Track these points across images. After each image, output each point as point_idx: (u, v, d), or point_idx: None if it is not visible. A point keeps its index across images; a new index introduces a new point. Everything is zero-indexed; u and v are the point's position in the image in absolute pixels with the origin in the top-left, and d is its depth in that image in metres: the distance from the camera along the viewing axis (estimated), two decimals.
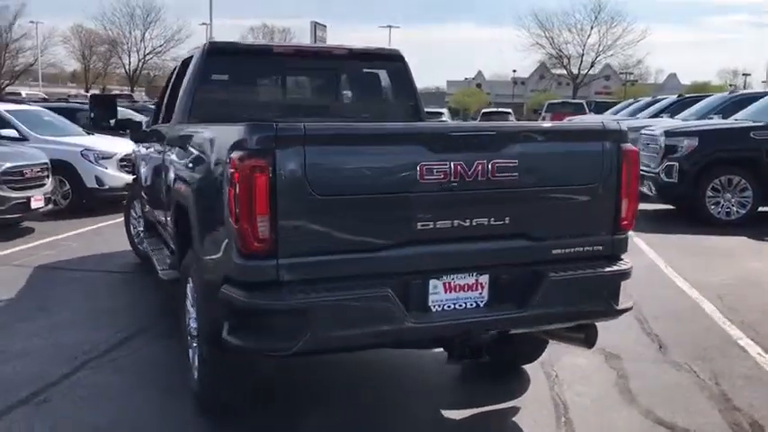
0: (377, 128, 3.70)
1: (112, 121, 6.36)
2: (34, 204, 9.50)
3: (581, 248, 3.72)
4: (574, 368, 4.87)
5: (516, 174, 3.47)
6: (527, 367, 4.80)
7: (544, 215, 3.64)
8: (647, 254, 8.46)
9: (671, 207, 11.77)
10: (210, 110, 5.26)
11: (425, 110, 6.16)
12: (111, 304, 6.34)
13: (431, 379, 4.78)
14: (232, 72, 5.51)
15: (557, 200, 3.65)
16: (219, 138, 3.59)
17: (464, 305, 3.56)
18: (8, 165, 9.26)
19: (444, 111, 33.83)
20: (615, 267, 3.74)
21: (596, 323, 3.91)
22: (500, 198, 3.50)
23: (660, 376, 4.78)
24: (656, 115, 17.71)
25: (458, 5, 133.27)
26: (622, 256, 3.87)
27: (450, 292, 3.52)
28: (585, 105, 33.61)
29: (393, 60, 5.86)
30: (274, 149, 3.09)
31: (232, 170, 3.12)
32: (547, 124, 4.26)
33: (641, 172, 8.81)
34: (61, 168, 10.78)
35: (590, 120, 16.96)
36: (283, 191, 3.12)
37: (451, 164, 3.34)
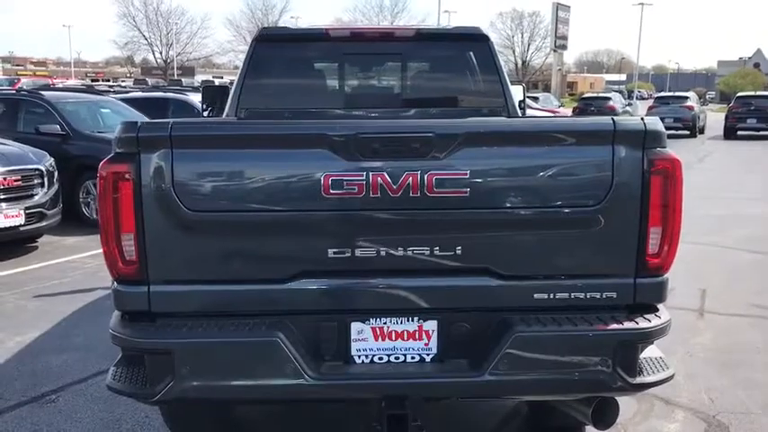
0: (264, 126, 2.95)
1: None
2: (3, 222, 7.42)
3: (581, 294, 2.69)
4: None
5: (467, 190, 2.56)
6: None
7: (517, 247, 2.67)
8: None
9: None
10: (260, 101, 4.82)
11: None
12: None
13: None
14: (285, 60, 4.98)
15: (535, 227, 2.65)
16: None
17: (403, 358, 2.73)
18: None
19: (689, 94, 30.44)
20: (630, 324, 2.65)
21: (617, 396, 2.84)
22: (443, 222, 2.60)
23: None
24: None
25: None
26: (657, 308, 2.76)
27: (383, 339, 2.71)
28: None
29: (473, 41, 4.92)
30: (138, 153, 2.53)
31: (98, 178, 2.61)
32: (518, 122, 3.15)
33: None
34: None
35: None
36: (150, 204, 2.55)
37: (369, 175, 2.53)
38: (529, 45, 65.38)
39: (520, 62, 65.14)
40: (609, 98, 29.46)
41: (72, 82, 40.20)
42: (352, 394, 2.73)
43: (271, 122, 3.42)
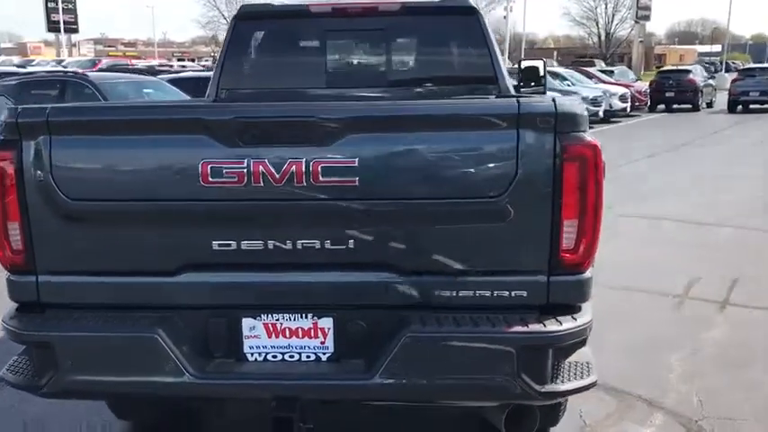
0: (140, 111, 2.79)
1: None
2: None
3: (488, 293, 2.46)
4: None
5: (355, 179, 2.36)
6: None
7: (415, 241, 2.45)
8: None
9: None
10: (241, 81, 4.73)
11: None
12: None
13: None
14: (266, 39, 4.84)
15: (434, 219, 2.43)
16: None
17: (298, 357, 2.57)
18: None
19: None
20: (537, 326, 2.40)
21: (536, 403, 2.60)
22: (333, 213, 2.41)
23: None
24: None
25: None
26: (577, 308, 2.50)
27: (277, 336, 2.56)
28: None
29: (462, 15, 4.64)
30: (20, 140, 2.45)
31: None
32: (411, 105, 2.86)
33: None
34: None
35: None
36: (32, 192, 2.47)
37: (250, 162, 2.36)
38: (613, 16, 62.67)
39: (603, 34, 62.75)
40: (689, 71, 27.89)
41: (155, 62, 41.36)
42: (238, 394, 2.59)
43: (147, 107, 3.30)
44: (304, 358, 2.56)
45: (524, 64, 6.39)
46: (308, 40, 4.85)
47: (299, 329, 2.54)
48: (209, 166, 2.36)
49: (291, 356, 2.56)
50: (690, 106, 26.98)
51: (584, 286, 2.49)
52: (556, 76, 22.20)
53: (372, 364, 2.43)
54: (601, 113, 21.52)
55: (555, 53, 63.13)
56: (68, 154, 2.45)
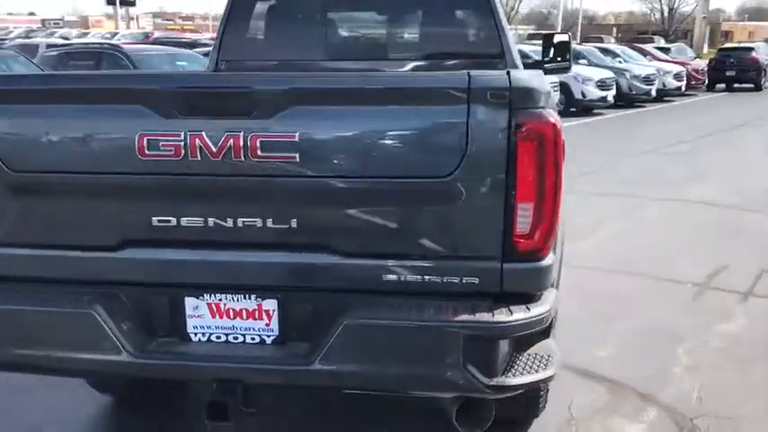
0: (75, 80, 2.68)
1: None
2: None
3: (437, 278, 2.31)
4: None
5: (296, 155, 2.23)
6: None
7: (360, 221, 2.31)
8: None
9: None
10: (241, 53, 4.62)
11: None
12: None
13: None
14: (267, 9, 4.71)
15: (379, 199, 2.28)
16: None
17: (242, 338, 2.47)
18: None
19: None
20: (484, 316, 2.24)
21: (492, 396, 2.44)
22: (273, 190, 2.29)
23: None
24: None
25: None
26: (535, 297, 2.34)
27: (221, 317, 2.46)
28: None
29: None
30: None
31: None
32: (354, 78, 2.66)
33: None
34: None
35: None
36: None
37: (187, 135, 2.25)
38: None
39: (666, 10, 60.64)
40: (751, 49, 26.71)
41: (208, 35, 41.83)
42: (178, 375, 2.51)
43: (82, 75, 3.20)
44: (248, 340, 2.46)
45: (551, 38, 6.17)
46: (309, 12, 4.71)
47: (244, 311, 2.44)
48: (146, 139, 2.26)
49: (236, 338, 2.47)
50: (752, 86, 25.89)
51: (542, 274, 2.32)
52: (607, 52, 21.54)
53: (313, 350, 2.32)
54: (653, 92, 20.74)
55: (614, 30, 61.40)
56: (11, 123, 2.38)
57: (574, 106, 17.74)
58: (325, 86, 2.31)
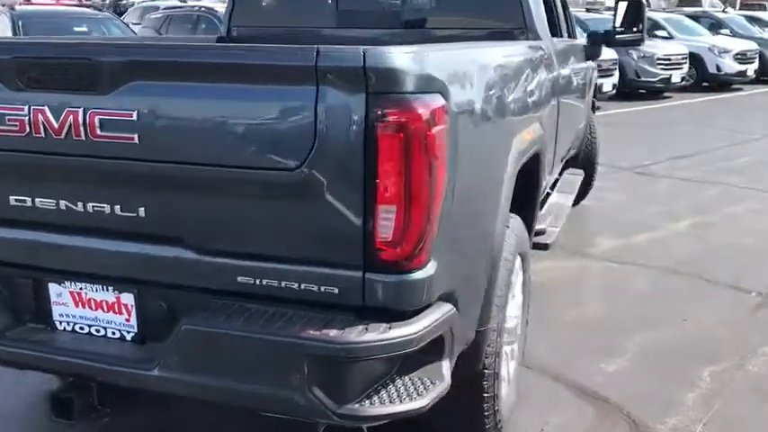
0: None
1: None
2: None
3: (294, 285, 2.00)
4: None
5: (134, 136, 1.98)
6: None
7: (209, 215, 2.04)
8: None
9: None
10: (252, 19, 4.48)
11: None
12: None
13: None
14: None
15: (227, 191, 1.99)
16: None
17: (103, 332, 2.28)
18: None
19: None
20: (332, 333, 1.91)
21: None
22: (115, 174, 2.06)
23: None
24: None
25: None
26: (406, 314, 1.98)
27: (84, 306, 2.28)
28: None
29: None
30: None
31: None
32: (193, 49, 2.23)
33: None
34: None
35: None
36: None
37: (31, 110, 2.06)
38: None
39: None
40: None
41: None
42: (35, 365, 2.35)
43: None
44: (110, 335, 2.27)
45: (622, 4, 5.49)
46: None
47: (104, 302, 2.25)
48: None
49: (98, 330, 2.28)
50: None
51: (412, 288, 1.95)
52: (756, 21, 19.50)
53: (157, 354, 2.09)
54: (750, 72, 16.90)
55: None
56: None
57: (707, 80, 16.25)
58: (161, 59, 2.03)
